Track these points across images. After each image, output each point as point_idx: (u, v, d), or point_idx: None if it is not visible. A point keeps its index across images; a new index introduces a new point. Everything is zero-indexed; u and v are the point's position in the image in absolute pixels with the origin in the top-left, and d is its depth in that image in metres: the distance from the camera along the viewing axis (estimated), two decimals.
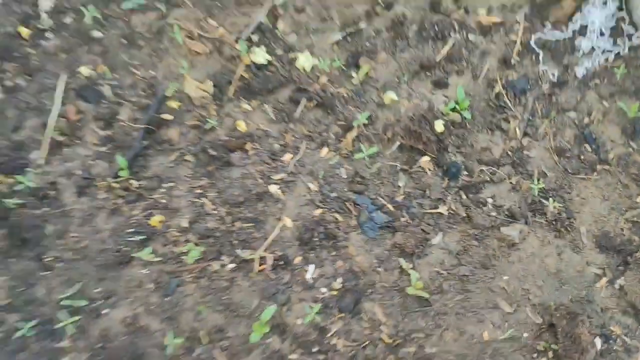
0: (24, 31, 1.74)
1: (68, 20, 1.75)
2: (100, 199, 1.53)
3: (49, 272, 1.46)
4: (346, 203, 1.50)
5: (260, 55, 1.68)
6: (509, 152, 1.54)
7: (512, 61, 1.66)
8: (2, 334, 1.37)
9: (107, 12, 1.77)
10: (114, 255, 1.47)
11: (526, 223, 1.46)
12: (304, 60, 1.69)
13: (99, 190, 1.54)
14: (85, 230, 1.51)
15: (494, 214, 1.47)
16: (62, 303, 1.43)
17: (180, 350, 1.37)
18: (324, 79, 1.66)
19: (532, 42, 1.66)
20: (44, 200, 1.54)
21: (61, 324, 1.38)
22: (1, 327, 1.38)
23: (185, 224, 1.49)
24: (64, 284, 1.46)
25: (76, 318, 1.40)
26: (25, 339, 1.35)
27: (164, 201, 1.52)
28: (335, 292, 1.42)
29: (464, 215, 1.47)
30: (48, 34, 1.75)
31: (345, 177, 1.54)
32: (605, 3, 1.61)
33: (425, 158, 1.53)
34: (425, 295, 1.39)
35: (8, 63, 1.71)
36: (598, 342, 1.33)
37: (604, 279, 1.40)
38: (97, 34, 1.74)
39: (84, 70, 1.69)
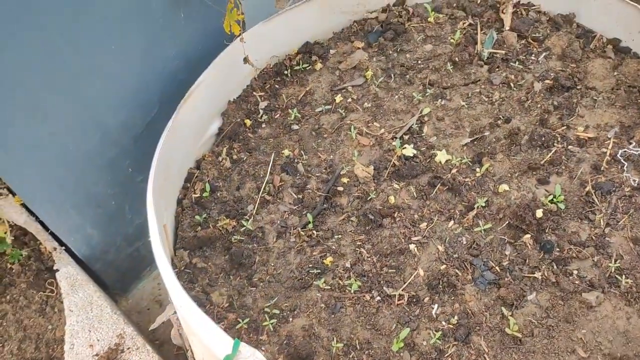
0: (247, 122, 2.39)
1: (277, 116, 2.44)
2: (291, 241, 2.03)
3: (254, 288, 1.94)
4: (464, 262, 1.90)
5: (409, 150, 2.16)
6: (594, 237, 1.90)
7: (602, 168, 2.06)
8: (224, 326, 2.01)
9: (304, 112, 2.39)
10: (298, 282, 1.92)
11: (603, 292, 1.80)
12: (441, 156, 2.15)
13: (291, 236, 2.04)
14: (280, 262, 1.99)
15: (577, 282, 1.82)
16: (264, 310, 1.88)
17: (340, 352, 1.77)
18: (454, 171, 2.12)
19: (619, 155, 2.08)
20: (254, 239, 2.05)
21: (263, 324, 1.84)
22: (224, 322, 1.99)
23: (348, 265, 1.94)
24: (264, 298, 1.91)
25: (272, 321, 1.83)
26: (240, 330, 1.84)
27: (334, 247, 1.99)
28: (452, 326, 1.77)
29: (554, 280, 1.83)
30: (263, 125, 2.38)
31: (465, 243, 1.96)
32: None
33: (527, 235, 1.92)
34: (520, 336, 1.73)
35: (236, 143, 2.31)
36: None
37: None
38: (295, 126, 2.34)
39: (286, 152, 2.25)
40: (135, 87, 2.24)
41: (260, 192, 2.17)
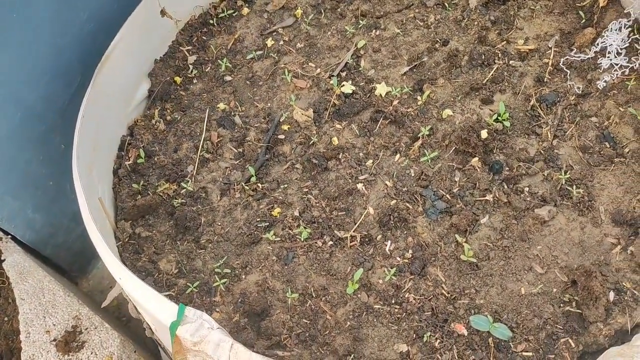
0: (178, 80, 2.27)
1: (207, 69, 2.33)
2: (236, 197, 1.96)
3: (203, 250, 1.88)
4: (414, 195, 1.85)
5: (347, 87, 2.09)
6: (542, 151, 1.86)
7: (545, 79, 2.00)
8: (174, 293, 1.95)
9: (235, 61, 2.31)
10: (247, 237, 1.86)
11: (555, 205, 1.77)
12: (381, 89, 2.07)
13: (236, 192, 1.98)
14: (227, 220, 1.92)
15: (529, 199, 1.79)
16: (214, 271, 1.83)
17: (296, 303, 1.73)
18: (396, 102, 2.05)
19: (561, 63, 2.02)
20: (197, 200, 1.98)
21: (214, 285, 1.79)
22: (174, 288, 1.95)
23: (297, 213, 1.88)
24: (214, 258, 1.85)
25: (224, 281, 1.78)
26: (192, 295, 1.81)
27: (281, 198, 1.93)
28: (407, 260, 1.74)
29: (506, 200, 1.79)
30: (194, 80, 2.28)
31: (413, 175, 1.90)
32: (619, 29, 1.96)
33: (475, 159, 1.87)
34: (475, 261, 1.70)
35: (168, 103, 2.21)
36: (612, 294, 1.67)
37: (618, 247, 1.66)
38: (228, 77, 2.24)
39: (221, 106, 2.16)
40: (50, 56, 2.09)
41: (199, 151, 2.08)
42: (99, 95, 1.99)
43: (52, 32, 2.05)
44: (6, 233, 2.34)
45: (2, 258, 2.30)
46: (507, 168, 1.88)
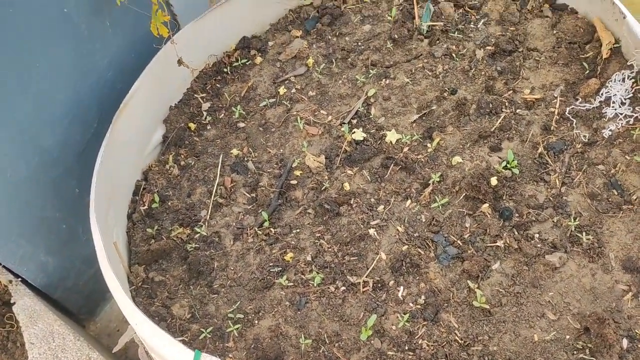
0: (192, 126, 2.32)
1: (221, 116, 2.38)
2: (249, 242, 1.98)
3: (216, 295, 1.89)
4: (426, 240, 1.88)
5: (358, 134, 2.13)
6: (551, 198, 1.89)
7: (552, 128, 2.04)
8: (187, 338, 1.95)
9: (249, 108, 2.34)
10: (260, 282, 1.87)
11: (565, 252, 1.80)
12: (391, 136, 2.12)
13: (249, 236, 1.99)
14: (239, 265, 1.94)
15: (539, 245, 1.80)
16: (227, 316, 1.83)
17: (309, 349, 1.73)
18: (406, 149, 2.09)
19: (567, 112, 2.07)
20: (210, 244, 1.99)
21: (227, 330, 1.79)
22: (187, 334, 1.93)
23: (309, 258, 1.90)
24: (227, 303, 1.86)
25: (237, 326, 1.79)
26: (205, 340, 1.80)
27: (293, 242, 1.95)
28: (419, 306, 1.75)
29: (516, 246, 1.81)
30: (208, 127, 2.31)
31: (424, 221, 1.93)
32: (623, 80, 2.02)
33: (485, 205, 1.90)
34: (488, 307, 1.71)
35: (182, 149, 2.26)
36: (625, 342, 1.67)
37: (630, 294, 1.67)
38: (241, 124, 2.29)
39: (235, 151, 2.20)
40: (69, 103, 2.15)
41: (212, 196, 2.12)
42: (115, 142, 2.04)
43: (72, 79, 2.11)
44: (16, 276, 2.35)
45: (12, 301, 2.30)
46: (517, 214, 1.91)
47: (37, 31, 1.91)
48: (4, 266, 2.32)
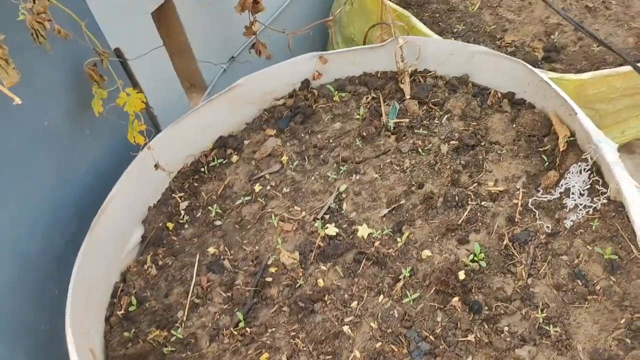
0: (170, 225, 2.38)
1: (199, 214, 2.45)
2: (225, 343, 1.98)
3: None
4: (399, 336, 1.89)
5: (331, 229, 2.17)
6: (518, 290, 1.92)
7: (516, 219, 2.11)
8: None
9: (225, 206, 2.40)
10: None
11: (534, 345, 1.83)
12: (362, 230, 2.17)
13: (224, 337, 1.99)
14: None
15: (509, 339, 1.83)
16: None
17: None
18: (377, 243, 2.13)
19: (529, 204, 2.16)
20: (187, 346, 1.99)
21: None
22: None
23: (284, 359, 1.90)
24: None
25: None
26: None
27: (269, 342, 1.95)
28: None
29: (487, 341, 1.83)
30: (186, 226, 2.37)
31: (397, 316, 1.94)
32: (580, 172, 2.12)
33: (455, 298, 1.93)
34: None
35: (160, 248, 2.30)
36: None
37: None
38: (218, 222, 2.33)
39: (211, 250, 2.24)
40: (49, 208, 2.21)
41: (189, 296, 2.14)
42: (93, 247, 2.09)
43: (52, 186, 2.18)
44: None
45: None
46: (486, 307, 1.94)
47: (18, 143, 2.00)
48: None
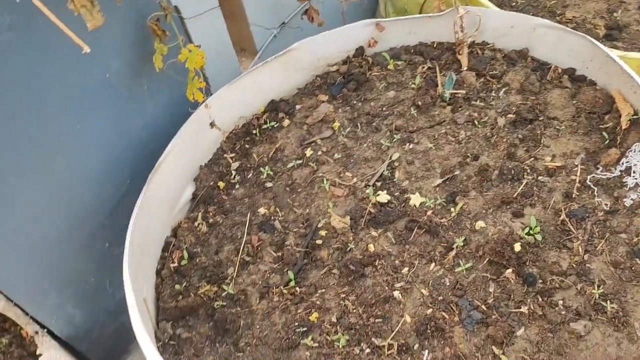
0: (221, 184, 2.39)
1: (249, 175, 2.46)
2: (275, 301, 2.01)
3: (242, 354, 1.90)
4: (450, 304, 1.89)
5: (383, 197, 2.18)
6: (574, 265, 1.91)
7: (573, 195, 2.08)
8: None
9: (276, 169, 2.41)
10: (285, 342, 1.89)
11: (590, 320, 1.81)
12: (415, 199, 2.17)
13: (274, 295, 2.02)
14: (265, 323, 1.96)
15: (564, 312, 1.82)
16: None
17: None
18: (430, 212, 2.13)
19: (588, 181, 2.12)
20: (237, 302, 2.03)
21: None
22: None
23: (334, 319, 1.91)
24: None
25: None
26: None
27: (318, 302, 1.97)
28: None
29: (541, 313, 1.82)
30: (237, 186, 2.38)
31: (449, 284, 1.95)
32: None
33: (509, 270, 1.92)
34: None
35: (211, 207, 2.32)
36: None
37: None
38: (269, 184, 2.35)
39: (262, 210, 2.26)
40: (105, 162, 2.24)
41: (240, 254, 2.16)
42: (148, 200, 2.12)
43: (108, 140, 2.21)
44: (42, 327, 2.39)
45: (39, 353, 2.33)
46: (540, 281, 1.93)
47: (79, 94, 2.02)
48: (31, 317, 2.36)
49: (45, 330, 2.39)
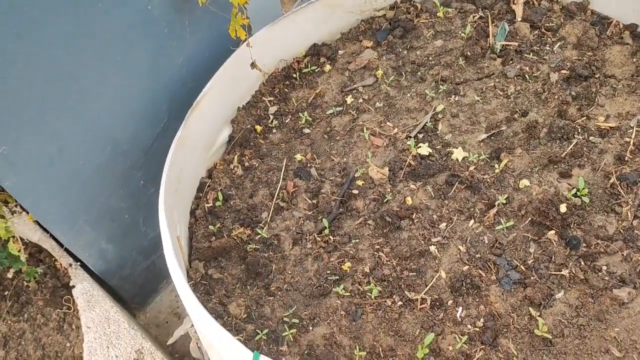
0: (258, 128, 2.35)
1: (287, 120, 2.41)
2: (308, 248, 1.99)
3: (272, 298, 1.90)
4: (488, 262, 1.85)
5: (424, 149, 2.12)
6: (621, 231, 1.83)
7: (626, 158, 1.98)
8: (243, 337, 1.97)
9: (315, 115, 2.36)
10: (317, 289, 1.88)
11: (634, 287, 1.75)
12: (457, 153, 2.10)
13: (308, 242, 2.01)
14: (297, 269, 1.95)
15: (607, 278, 1.76)
16: (283, 319, 1.84)
17: None
18: (472, 168, 2.07)
19: None
20: (270, 246, 2.01)
21: (283, 334, 1.80)
22: (243, 333, 1.95)
23: (367, 270, 1.89)
24: (283, 307, 1.87)
25: (292, 331, 1.79)
26: (259, 342, 1.80)
27: (352, 252, 1.95)
28: (478, 329, 1.72)
29: (582, 277, 1.76)
30: (274, 130, 2.34)
31: (487, 242, 1.90)
32: None
33: (552, 232, 1.86)
34: (549, 337, 1.67)
35: (247, 150, 2.28)
36: None
37: None
38: (307, 130, 2.31)
39: (298, 157, 2.22)
40: (143, 98, 2.21)
41: (274, 199, 2.13)
42: (185, 139, 2.08)
43: (147, 76, 2.17)
44: (76, 259, 2.43)
45: (72, 284, 2.37)
46: (584, 244, 1.86)
47: (121, 26, 1.97)
48: (65, 249, 2.40)
49: (79, 263, 2.42)
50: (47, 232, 2.41)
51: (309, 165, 2.21)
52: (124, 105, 2.15)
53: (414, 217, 2.01)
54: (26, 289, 2.43)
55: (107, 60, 1.99)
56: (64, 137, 1.99)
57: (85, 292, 2.32)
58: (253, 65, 2.18)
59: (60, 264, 2.45)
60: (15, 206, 2.54)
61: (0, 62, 1.64)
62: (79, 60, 1.89)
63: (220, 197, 2.15)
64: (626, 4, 2.31)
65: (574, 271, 1.81)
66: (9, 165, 1.84)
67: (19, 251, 2.20)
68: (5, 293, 2.44)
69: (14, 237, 2.21)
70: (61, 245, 2.40)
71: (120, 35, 1.98)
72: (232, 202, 2.16)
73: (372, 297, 1.85)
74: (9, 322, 2.33)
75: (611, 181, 1.95)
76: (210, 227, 2.09)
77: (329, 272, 1.94)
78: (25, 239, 2.45)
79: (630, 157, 2.00)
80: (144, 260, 2.62)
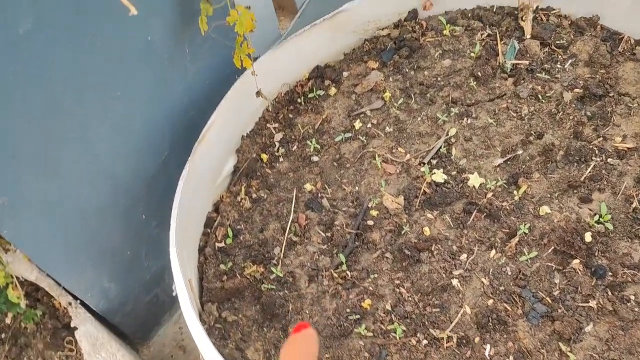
0: (264, 157, 2.25)
1: (294, 148, 2.32)
2: (325, 285, 1.90)
3: None
4: (512, 295, 1.79)
5: (439, 176, 2.05)
6: None
7: None
8: None
9: (323, 141, 2.27)
10: (337, 329, 1.80)
11: None
12: (474, 180, 2.03)
13: (324, 278, 1.92)
14: (315, 309, 1.86)
15: (636, 309, 1.72)
16: None
17: None
18: (490, 195, 2.00)
19: None
20: (285, 285, 1.92)
21: None
22: None
23: (388, 307, 1.82)
24: None
25: None
26: None
27: (371, 288, 1.87)
28: None
29: (611, 309, 1.72)
30: (281, 159, 2.25)
31: (510, 274, 1.84)
32: None
33: (576, 261, 1.81)
34: None
35: (254, 180, 2.19)
36: None
37: None
38: (315, 158, 2.21)
39: (308, 186, 2.13)
40: (144, 130, 2.10)
41: (286, 233, 2.05)
42: (192, 174, 1.99)
43: (148, 106, 2.06)
44: (76, 298, 2.32)
45: (73, 325, 2.27)
46: (610, 273, 1.81)
47: (120, 59, 1.87)
48: (64, 288, 2.29)
49: (79, 301, 2.31)
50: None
51: (319, 195, 2.13)
52: (125, 138, 2.04)
53: (433, 248, 1.95)
54: (24, 331, 2.31)
55: (107, 94, 1.88)
56: (64, 175, 1.88)
57: (89, 334, 2.22)
58: (258, 94, 2.08)
59: (59, 303, 2.33)
60: (9, 243, 2.42)
61: None
62: (78, 96, 1.78)
63: (230, 233, 2.06)
64: (636, 19, 2.26)
65: (601, 302, 1.77)
66: (8, 213, 1.72)
67: (18, 298, 2.08)
68: (2, 336, 2.33)
69: (13, 282, 2.09)
70: (59, 283, 2.28)
71: (120, 68, 1.88)
72: (242, 238, 2.07)
73: (397, 336, 1.79)
74: None
75: (633, 205, 1.91)
76: (222, 265, 2.00)
77: (348, 310, 1.86)
78: (21, 278, 2.33)
79: None
80: (146, 295, 2.52)
